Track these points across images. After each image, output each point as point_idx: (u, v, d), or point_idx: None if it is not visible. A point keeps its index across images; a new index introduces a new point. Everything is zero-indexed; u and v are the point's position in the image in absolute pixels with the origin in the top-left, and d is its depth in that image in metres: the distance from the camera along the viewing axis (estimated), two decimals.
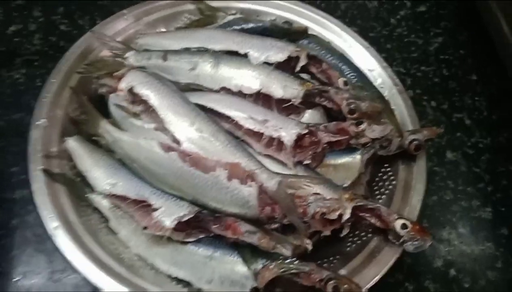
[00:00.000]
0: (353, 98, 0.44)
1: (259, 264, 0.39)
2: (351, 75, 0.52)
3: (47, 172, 0.42)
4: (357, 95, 0.44)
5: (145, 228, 0.40)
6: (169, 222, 0.39)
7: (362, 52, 0.56)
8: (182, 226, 0.40)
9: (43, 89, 0.47)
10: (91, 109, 0.46)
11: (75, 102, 0.47)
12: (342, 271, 0.41)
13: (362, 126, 0.42)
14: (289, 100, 0.45)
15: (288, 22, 0.56)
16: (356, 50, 0.56)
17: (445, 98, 0.63)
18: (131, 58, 0.49)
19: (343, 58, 0.54)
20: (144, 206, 0.41)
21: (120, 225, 0.43)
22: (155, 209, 0.40)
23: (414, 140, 0.46)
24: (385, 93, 0.52)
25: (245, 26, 0.54)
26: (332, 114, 0.47)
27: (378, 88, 0.52)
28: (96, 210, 0.44)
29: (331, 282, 0.38)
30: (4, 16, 0.60)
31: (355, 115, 0.43)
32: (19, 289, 0.43)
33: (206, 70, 0.47)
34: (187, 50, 0.49)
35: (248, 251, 0.40)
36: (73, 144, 0.45)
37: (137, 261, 0.41)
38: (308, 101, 0.45)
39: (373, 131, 0.43)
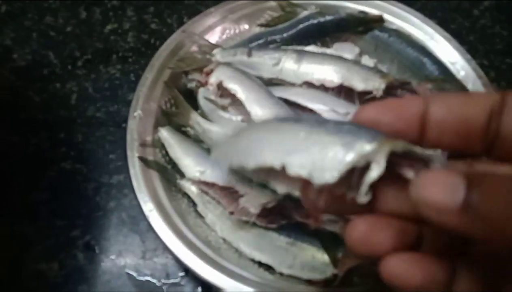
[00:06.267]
0: (436, 89, 0.43)
1: (339, 252, 0.41)
2: (433, 68, 0.51)
3: (142, 159, 0.46)
4: (440, 86, 0.44)
5: (231, 213, 0.43)
6: (254, 208, 0.41)
7: (443, 44, 0.55)
8: (265, 213, 0.42)
9: (138, 83, 0.51)
10: (183, 102, 0.49)
11: (167, 95, 0.51)
12: None
13: None
14: (370, 93, 0.45)
15: (363, 12, 0.56)
16: (437, 42, 0.55)
17: None
18: (218, 54, 0.51)
19: (424, 51, 0.53)
20: (231, 193, 0.43)
21: (207, 209, 0.45)
22: (241, 196, 0.43)
23: None
24: (469, 86, 0.50)
25: (321, 19, 0.55)
26: None
27: (461, 81, 0.51)
28: (186, 195, 0.47)
29: None
30: (102, 16, 0.65)
31: None
32: (115, 266, 0.47)
33: (289, 65, 0.48)
34: (270, 47, 0.52)
35: (329, 239, 0.41)
36: (165, 134, 0.49)
37: (222, 244, 0.44)
38: (389, 94, 0.46)
39: None
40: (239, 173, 0.44)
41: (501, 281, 0.22)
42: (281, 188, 0.26)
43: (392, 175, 0.22)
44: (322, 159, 0.23)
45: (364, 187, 0.22)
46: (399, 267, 0.22)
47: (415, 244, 0.23)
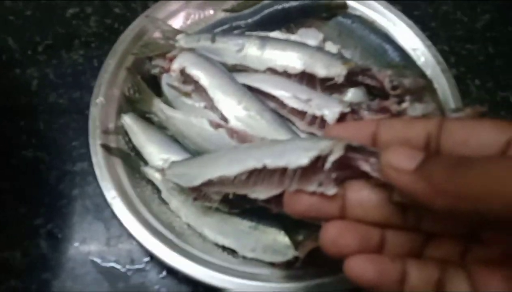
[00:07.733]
0: (397, 75, 0.44)
1: (300, 235, 0.41)
2: (394, 55, 0.52)
3: (105, 147, 0.46)
4: (400, 73, 0.45)
5: (195, 199, 0.43)
6: (216, 194, 0.42)
7: (406, 30, 0.56)
8: (228, 198, 0.42)
9: (100, 69, 0.50)
10: (145, 89, 0.49)
11: (130, 81, 0.50)
12: None
13: (404, 105, 0.43)
14: (332, 79, 0.46)
15: None
16: (400, 29, 0.56)
17: (490, 77, 0.61)
18: (182, 40, 0.51)
19: (387, 38, 0.54)
20: None
21: (171, 196, 0.46)
22: None
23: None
24: (428, 72, 0.51)
25: (286, 5, 0.55)
26: (374, 93, 0.48)
27: (421, 67, 0.52)
28: (150, 182, 0.47)
29: None
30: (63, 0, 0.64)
31: (398, 91, 0.44)
32: (79, 253, 0.47)
33: (253, 52, 0.48)
34: (235, 33, 0.52)
35: (290, 222, 0.42)
36: (128, 121, 0.48)
37: (186, 230, 0.45)
38: (350, 80, 0.46)
39: (415, 109, 0.43)
40: None
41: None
42: (262, 195, 0.34)
43: (355, 175, 0.28)
44: (296, 153, 0.30)
45: (328, 164, 0.28)
46: (358, 266, 0.26)
47: (378, 247, 0.28)
